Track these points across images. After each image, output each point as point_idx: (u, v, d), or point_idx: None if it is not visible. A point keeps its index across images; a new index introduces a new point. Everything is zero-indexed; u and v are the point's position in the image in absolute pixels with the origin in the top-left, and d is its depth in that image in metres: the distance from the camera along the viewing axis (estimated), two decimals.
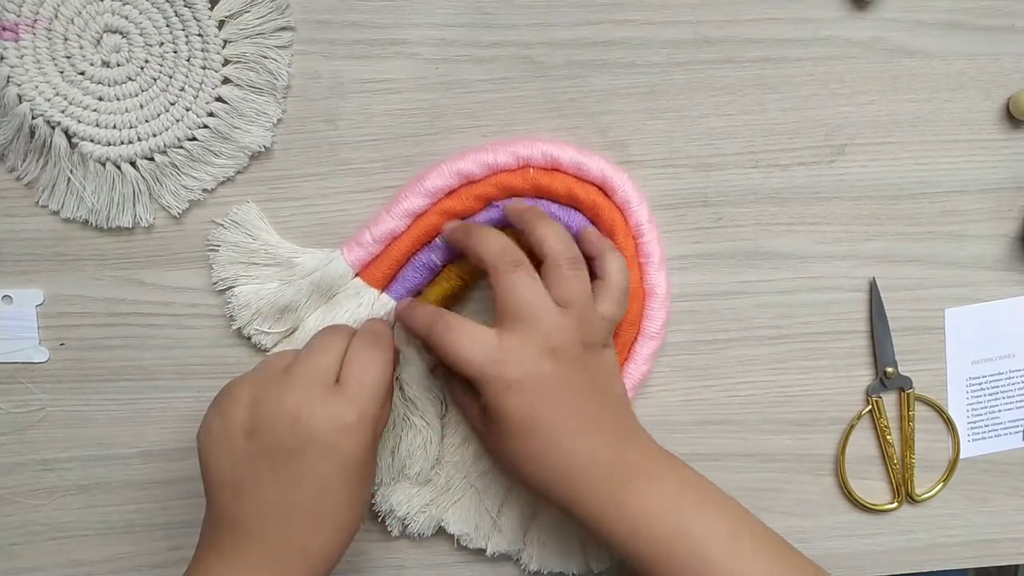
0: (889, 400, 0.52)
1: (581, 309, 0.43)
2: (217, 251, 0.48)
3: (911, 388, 0.52)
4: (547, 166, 0.48)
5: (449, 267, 0.48)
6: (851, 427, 0.52)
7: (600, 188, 0.48)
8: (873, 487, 0.53)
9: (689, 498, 0.43)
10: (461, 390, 0.46)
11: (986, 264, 0.52)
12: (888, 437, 0.52)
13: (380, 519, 0.50)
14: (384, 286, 0.48)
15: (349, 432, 0.41)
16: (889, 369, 0.52)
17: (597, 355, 0.44)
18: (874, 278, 0.51)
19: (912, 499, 0.53)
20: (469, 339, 0.42)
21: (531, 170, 0.47)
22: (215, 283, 0.48)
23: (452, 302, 0.48)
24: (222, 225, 0.48)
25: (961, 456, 0.53)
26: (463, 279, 0.48)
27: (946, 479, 0.53)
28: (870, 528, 0.53)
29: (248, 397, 0.42)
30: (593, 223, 0.48)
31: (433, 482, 0.50)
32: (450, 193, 0.48)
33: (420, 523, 0.49)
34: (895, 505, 0.53)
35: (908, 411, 0.52)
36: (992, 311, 0.52)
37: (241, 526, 0.41)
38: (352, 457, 0.42)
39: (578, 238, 0.46)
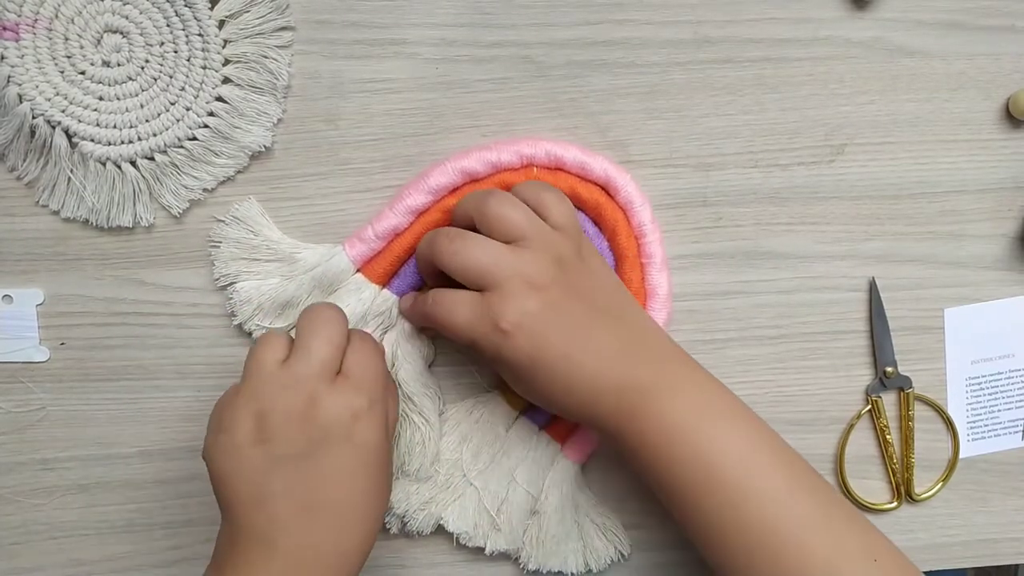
0: (889, 400, 0.52)
1: (533, 234, 0.42)
2: (218, 247, 0.48)
3: (911, 388, 0.52)
4: (551, 165, 0.48)
5: None
6: (851, 427, 0.52)
7: (603, 188, 0.48)
8: (873, 487, 0.53)
9: (703, 414, 0.42)
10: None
11: (986, 264, 0.52)
12: (888, 437, 0.52)
13: None
14: (385, 282, 0.48)
15: (364, 419, 0.41)
16: (889, 369, 0.52)
17: (577, 269, 0.43)
18: (874, 278, 0.51)
19: (912, 499, 0.53)
20: (456, 305, 0.42)
21: (534, 169, 0.48)
22: (217, 279, 0.48)
23: None
24: (223, 221, 0.48)
25: (961, 456, 0.53)
26: None
27: (946, 479, 0.53)
28: None
29: (249, 406, 0.41)
30: (595, 223, 0.48)
31: (432, 480, 0.49)
32: (453, 191, 0.48)
33: (419, 521, 0.49)
34: (895, 505, 0.53)
35: (908, 411, 0.52)
36: (992, 311, 0.52)
37: (268, 537, 0.40)
38: (370, 444, 0.41)
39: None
